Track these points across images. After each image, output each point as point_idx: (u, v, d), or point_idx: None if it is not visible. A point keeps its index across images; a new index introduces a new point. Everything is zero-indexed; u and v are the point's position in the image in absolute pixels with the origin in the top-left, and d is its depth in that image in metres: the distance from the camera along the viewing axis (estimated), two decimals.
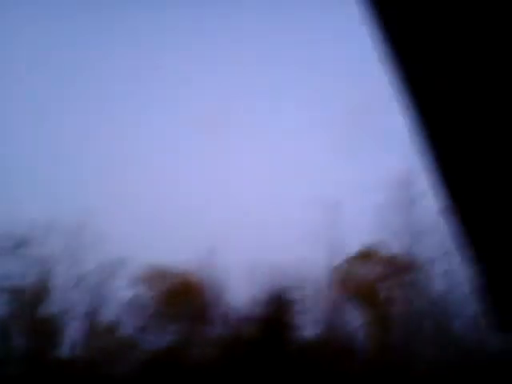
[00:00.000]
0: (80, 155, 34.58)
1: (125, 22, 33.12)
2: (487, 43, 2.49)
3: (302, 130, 35.00)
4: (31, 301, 27.41)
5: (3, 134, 32.35)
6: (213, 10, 34.14)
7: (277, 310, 28.64)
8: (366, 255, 29.28)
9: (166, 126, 36.19)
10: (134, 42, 35.28)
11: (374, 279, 29.18)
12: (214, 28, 34.28)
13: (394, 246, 27.95)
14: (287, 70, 35.60)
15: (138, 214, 33.38)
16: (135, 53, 35.45)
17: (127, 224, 32.50)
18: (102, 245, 27.53)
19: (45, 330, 27.22)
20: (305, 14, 33.29)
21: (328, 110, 35.73)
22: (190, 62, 36.35)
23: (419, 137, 2.84)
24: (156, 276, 30.64)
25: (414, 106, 2.65)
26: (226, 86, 34.86)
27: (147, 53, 35.64)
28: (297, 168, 35.31)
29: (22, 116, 33.90)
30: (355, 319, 29.44)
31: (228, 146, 36.67)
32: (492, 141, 2.86)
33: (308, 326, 29.53)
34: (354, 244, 28.48)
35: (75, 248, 28.57)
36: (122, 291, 29.60)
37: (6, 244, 27.21)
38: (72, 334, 28.39)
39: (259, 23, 35.01)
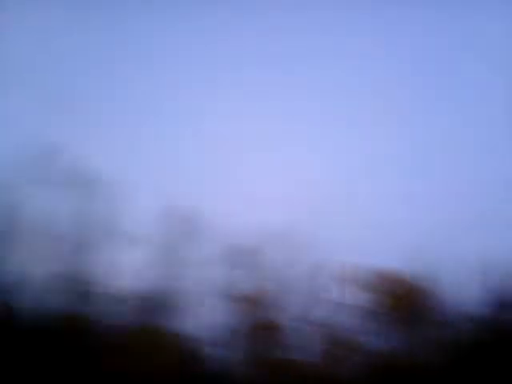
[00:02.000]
0: None
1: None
2: None
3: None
4: (255, 306, 29.93)
5: None
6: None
7: (504, 311, 26.74)
8: None
9: None
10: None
11: None
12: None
13: None
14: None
15: (348, 217, 34.05)
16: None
17: (338, 227, 33.63)
18: (314, 248, 28.70)
19: (270, 334, 29.40)
20: None
21: None
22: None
23: None
24: (380, 279, 30.89)
25: None
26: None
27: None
28: None
29: None
30: None
31: None
32: None
33: None
34: None
35: (292, 253, 30.27)
36: (335, 293, 30.47)
37: (234, 254, 30.27)
38: (296, 337, 30.14)
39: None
